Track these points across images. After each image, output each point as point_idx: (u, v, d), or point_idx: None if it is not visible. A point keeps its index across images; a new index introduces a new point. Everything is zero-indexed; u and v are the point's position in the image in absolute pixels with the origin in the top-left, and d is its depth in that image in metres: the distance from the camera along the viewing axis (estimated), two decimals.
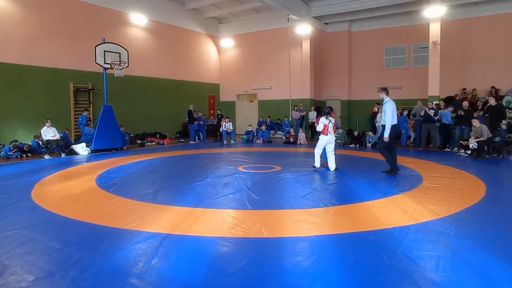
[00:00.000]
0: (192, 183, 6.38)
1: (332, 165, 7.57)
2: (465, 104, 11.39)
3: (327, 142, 7.53)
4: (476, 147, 9.29)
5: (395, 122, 6.94)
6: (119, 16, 14.06)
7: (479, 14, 14.43)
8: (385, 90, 7.15)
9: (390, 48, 16.73)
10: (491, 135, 9.33)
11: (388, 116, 6.84)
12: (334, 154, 7.61)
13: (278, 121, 16.88)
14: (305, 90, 16.93)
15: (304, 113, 15.84)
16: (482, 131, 9.31)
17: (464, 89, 14.37)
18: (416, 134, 12.54)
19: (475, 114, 10.89)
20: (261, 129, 15.09)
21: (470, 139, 9.66)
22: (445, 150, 11.10)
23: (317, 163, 7.74)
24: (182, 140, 15.35)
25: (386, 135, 6.93)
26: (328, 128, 7.43)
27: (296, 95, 16.86)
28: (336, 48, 17.79)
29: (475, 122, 9.58)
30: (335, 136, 8.01)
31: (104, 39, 11.40)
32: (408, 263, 2.98)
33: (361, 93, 17.57)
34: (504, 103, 12.52)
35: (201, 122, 15.19)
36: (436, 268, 2.88)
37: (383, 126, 7.00)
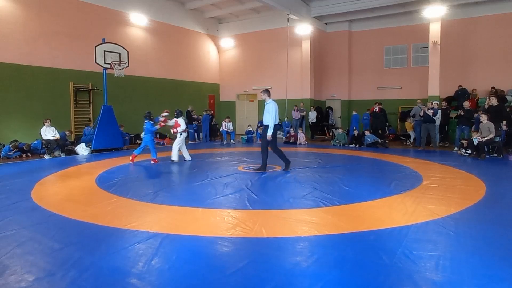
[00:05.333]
0: (192, 183, 6.38)
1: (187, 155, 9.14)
2: (466, 104, 11.38)
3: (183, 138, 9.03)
4: (477, 142, 9.26)
5: (276, 121, 7.36)
6: (119, 16, 14.05)
7: (479, 14, 14.42)
8: (267, 92, 7.47)
9: (390, 48, 16.73)
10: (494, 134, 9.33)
11: (272, 116, 7.20)
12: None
13: (279, 121, 16.86)
14: (305, 90, 16.93)
15: (304, 113, 15.84)
16: (489, 128, 9.29)
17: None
18: (416, 134, 12.55)
19: (475, 114, 10.88)
20: (257, 130, 15.06)
21: (473, 134, 9.63)
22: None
23: (175, 157, 8.91)
24: None
25: (270, 133, 7.24)
26: (181, 126, 8.93)
27: (296, 95, 16.86)
28: (336, 48, 17.78)
29: (483, 118, 9.51)
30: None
31: (104, 39, 11.40)
32: (408, 263, 2.98)
33: (361, 93, 17.57)
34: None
35: (201, 123, 15.18)
36: (436, 268, 2.88)
37: (266, 126, 7.34)
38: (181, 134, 8.97)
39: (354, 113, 14.75)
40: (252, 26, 18.47)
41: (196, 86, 18.13)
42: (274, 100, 7.44)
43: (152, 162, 8.81)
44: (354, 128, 13.24)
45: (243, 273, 2.84)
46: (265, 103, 7.41)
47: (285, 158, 7.63)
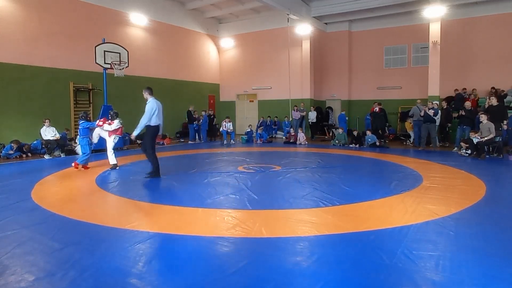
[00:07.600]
0: (192, 183, 6.38)
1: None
2: (467, 104, 11.37)
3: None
4: (476, 141, 9.28)
5: (158, 123, 6.96)
6: (119, 16, 14.05)
7: (479, 14, 14.43)
8: (148, 89, 7.20)
9: (390, 48, 16.73)
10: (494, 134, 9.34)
11: (146, 116, 6.83)
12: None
13: (276, 119, 16.86)
14: (305, 90, 16.93)
15: (304, 113, 15.84)
16: (489, 128, 9.30)
17: (464, 89, 14.37)
18: (415, 134, 12.54)
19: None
20: (257, 131, 15.05)
21: (471, 134, 9.65)
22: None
23: (113, 161, 8.23)
24: (182, 140, 15.36)
25: (135, 133, 6.93)
26: (122, 130, 8.51)
27: (296, 95, 16.86)
28: (336, 48, 17.79)
29: (483, 118, 9.51)
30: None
31: (104, 39, 11.40)
32: (408, 263, 2.98)
33: (361, 93, 17.58)
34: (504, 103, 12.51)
35: (200, 123, 15.19)
36: (436, 268, 2.88)
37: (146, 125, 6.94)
38: (113, 137, 8.44)
39: (342, 113, 15.59)
40: (252, 26, 18.47)
41: (196, 86, 18.13)
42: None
43: (73, 165, 7.92)
44: (353, 129, 13.26)
45: (243, 273, 2.84)
46: (147, 102, 6.99)
47: (156, 166, 6.93)
